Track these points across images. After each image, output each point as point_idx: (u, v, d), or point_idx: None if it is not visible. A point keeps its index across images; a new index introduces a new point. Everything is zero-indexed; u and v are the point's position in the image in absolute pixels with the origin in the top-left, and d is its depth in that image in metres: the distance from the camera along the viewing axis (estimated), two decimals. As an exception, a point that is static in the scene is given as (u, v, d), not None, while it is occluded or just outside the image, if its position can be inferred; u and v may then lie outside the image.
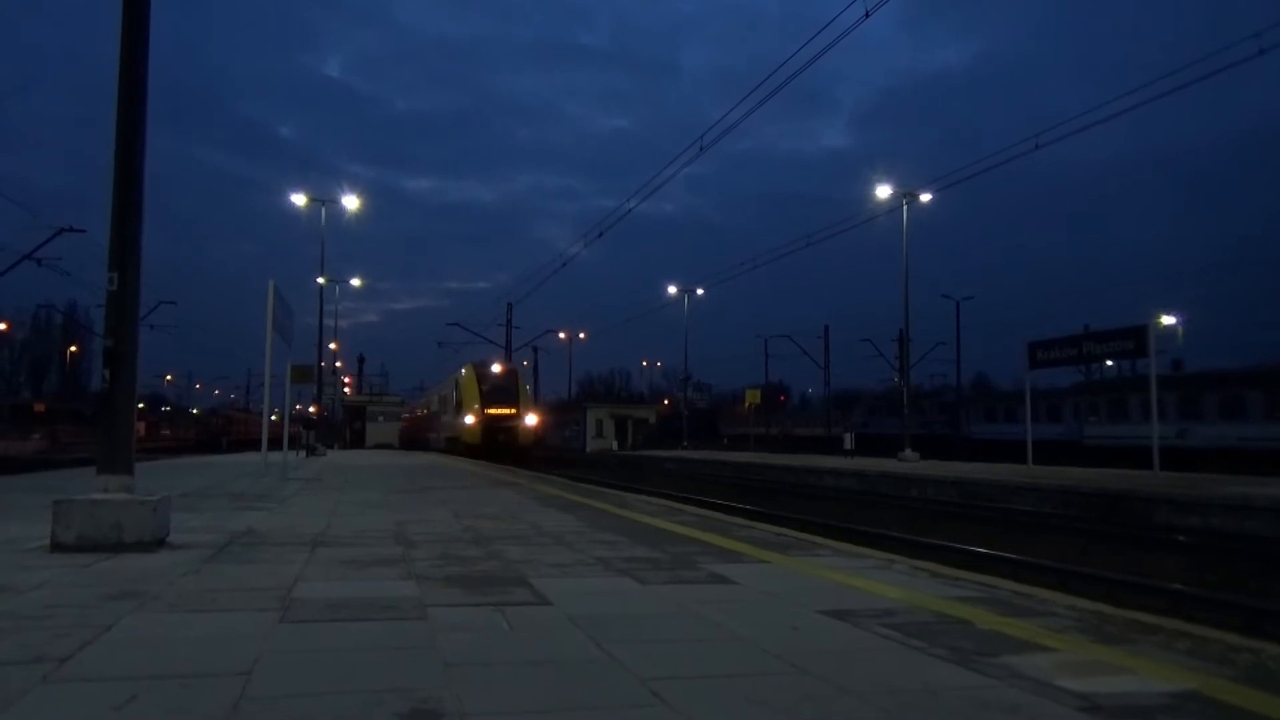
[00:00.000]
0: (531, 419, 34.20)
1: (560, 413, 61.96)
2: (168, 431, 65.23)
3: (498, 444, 31.55)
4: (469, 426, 32.69)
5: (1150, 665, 2.85)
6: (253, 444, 48.45)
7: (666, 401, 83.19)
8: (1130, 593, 7.07)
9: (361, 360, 77.02)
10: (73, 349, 78.10)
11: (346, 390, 62.02)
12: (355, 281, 42.35)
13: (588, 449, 51.71)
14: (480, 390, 33.25)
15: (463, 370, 36.32)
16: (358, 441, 52.94)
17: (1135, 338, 17.97)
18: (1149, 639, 3.24)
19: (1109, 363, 34.12)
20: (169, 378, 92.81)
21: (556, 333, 58.34)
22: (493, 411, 32.60)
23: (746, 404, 48.31)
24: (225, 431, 69.71)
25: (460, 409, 34.03)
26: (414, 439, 51.35)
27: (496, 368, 35.81)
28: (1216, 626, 3.68)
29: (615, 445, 54.91)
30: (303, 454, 26.00)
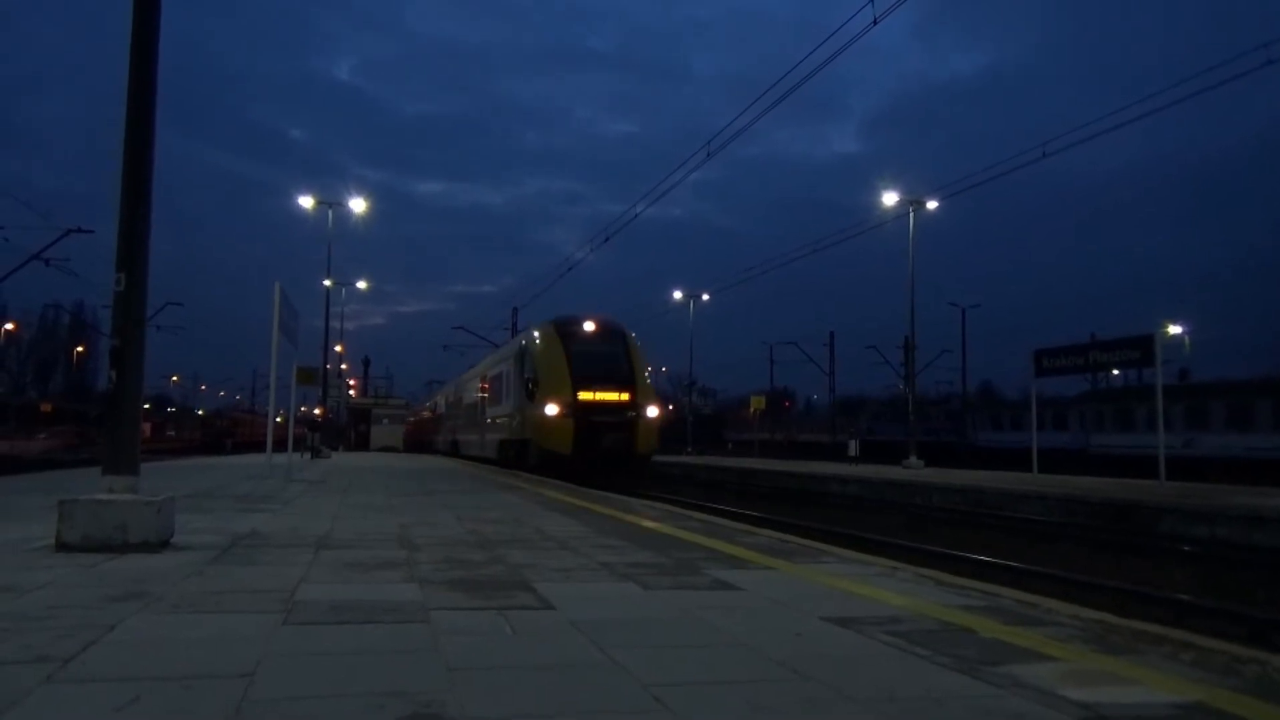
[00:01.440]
0: (653, 410, 19.95)
1: None
2: (173, 432, 65.45)
3: (601, 453, 18.82)
4: (549, 423, 19.10)
5: (1156, 676, 2.84)
6: (257, 445, 48.69)
7: (671, 407, 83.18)
8: (1136, 603, 7.03)
9: (367, 363, 77.37)
10: (79, 349, 78.42)
11: (351, 393, 62.18)
12: (361, 284, 42.52)
13: None
14: (569, 361, 19.60)
15: (533, 333, 21.61)
16: (362, 444, 52.98)
17: (1141, 347, 17.94)
18: (1154, 649, 3.22)
19: (1115, 372, 34.02)
20: (175, 379, 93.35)
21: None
22: (592, 397, 19.20)
23: (751, 410, 48.26)
24: (230, 433, 69.93)
25: (532, 396, 19.97)
26: (422, 442, 49.44)
27: (590, 325, 20.90)
28: (1223, 637, 3.66)
29: (620, 450, 54.60)
30: (307, 456, 26.05)
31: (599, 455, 18.78)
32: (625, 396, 19.42)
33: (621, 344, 20.84)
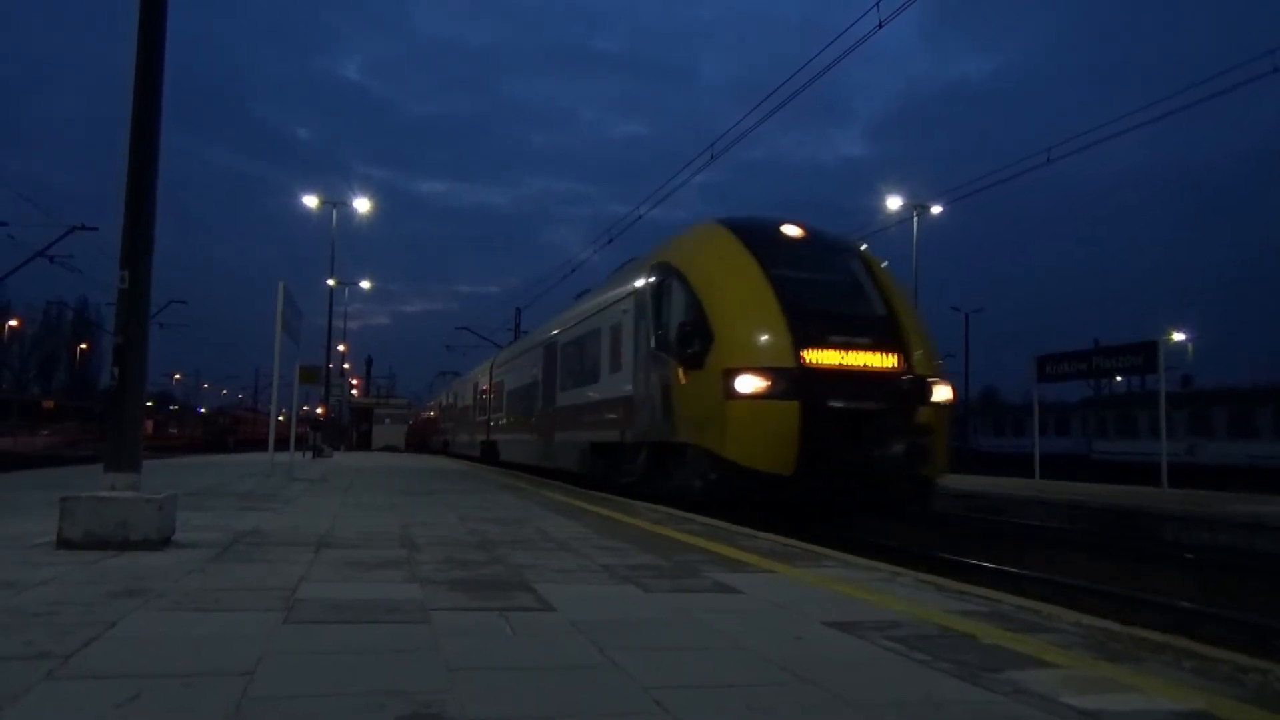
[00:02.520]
0: (944, 390, 10.23)
1: None
2: (175, 430, 65.52)
3: (858, 471, 9.37)
4: (745, 413, 9.40)
5: (1157, 684, 2.83)
6: (259, 444, 48.69)
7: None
8: (1137, 609, 7.02)
9: (369, 362, 77.43)
10: (83, 346, 78.59)
11: (354, 392, 62.26)
12: (365, 284, 42.71)
13: None
14: (774, 291, 10.02)
15: (685, 249, 11.59)
16: (364, 444, 53.03)
17: (1145, 353, 17.91)
18: (1156, 657, 3.21)
19: (1119, 378, 34.02)
20: (178, 376, 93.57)
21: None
22: (834, 360, 9.72)
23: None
24: (232, 431, 69.98)
25: (695, 359, 10.10)
26: (431, 443, 48.30)
27: (793, 229, 11.35)
28: (1225, 645, 3.65)
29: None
30: (309, 455, 26.06)
31: (853, 475, 9.44)
32: (891, 361, 9.93)
33: (859, 265, 11.23)
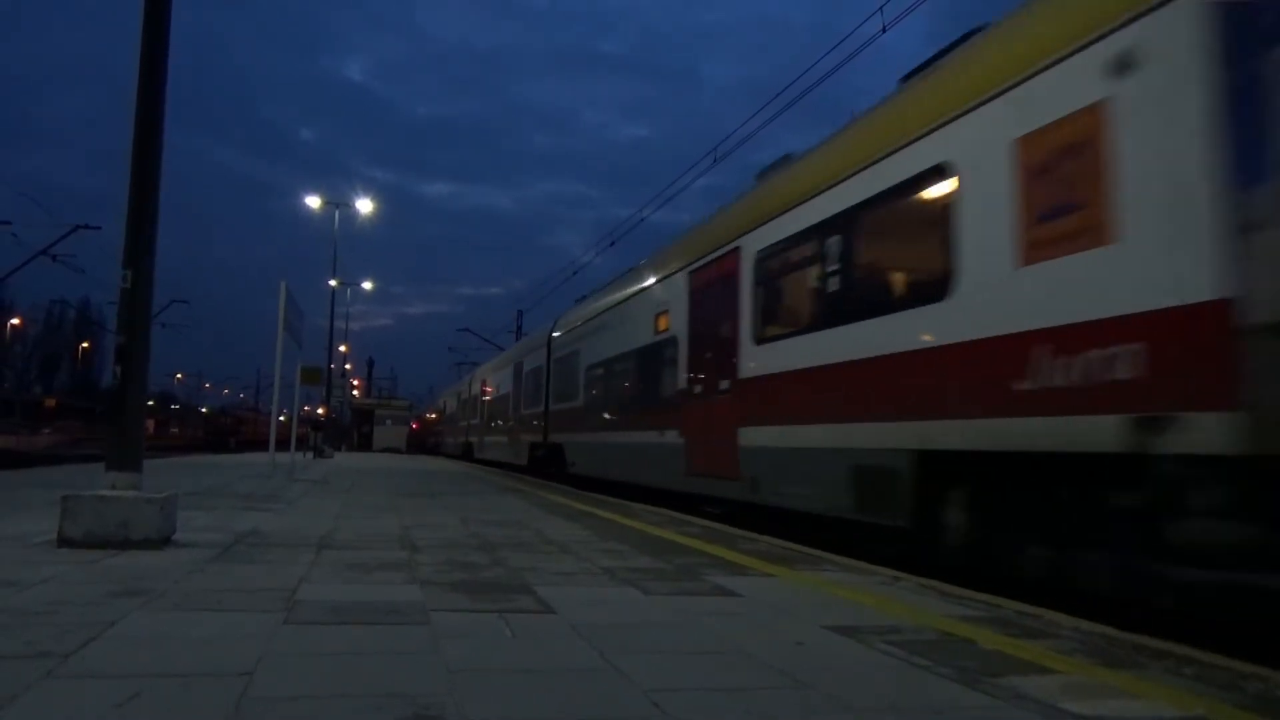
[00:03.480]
0: None
1: None
2: (176, 430, 65.60)
3: None
4: None
5: (1158, 690, 2.83)
6: (260, 444, 48.74)
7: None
8: (1138, 615, 6.99)
9: (371, 363, 77.54)
10: (85, 345, 78.68)
11: (355, 393, 62.33)
12: (367, 285, 42.63)
13: None
14: None
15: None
16: (365, 445, 53.05)
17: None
18: (1157, 663, 3.21)
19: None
20: (179, 376, 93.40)
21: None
22: None
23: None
24: (234, 431, 70.11)
25: None
26: (439, 444, 47.58)
27: None
28: (1225, 652, 3.64)
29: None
30: (310, 456, 26.08)
31: None
32: None
33: None
